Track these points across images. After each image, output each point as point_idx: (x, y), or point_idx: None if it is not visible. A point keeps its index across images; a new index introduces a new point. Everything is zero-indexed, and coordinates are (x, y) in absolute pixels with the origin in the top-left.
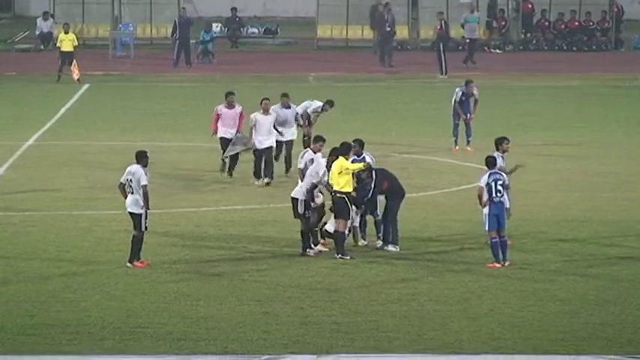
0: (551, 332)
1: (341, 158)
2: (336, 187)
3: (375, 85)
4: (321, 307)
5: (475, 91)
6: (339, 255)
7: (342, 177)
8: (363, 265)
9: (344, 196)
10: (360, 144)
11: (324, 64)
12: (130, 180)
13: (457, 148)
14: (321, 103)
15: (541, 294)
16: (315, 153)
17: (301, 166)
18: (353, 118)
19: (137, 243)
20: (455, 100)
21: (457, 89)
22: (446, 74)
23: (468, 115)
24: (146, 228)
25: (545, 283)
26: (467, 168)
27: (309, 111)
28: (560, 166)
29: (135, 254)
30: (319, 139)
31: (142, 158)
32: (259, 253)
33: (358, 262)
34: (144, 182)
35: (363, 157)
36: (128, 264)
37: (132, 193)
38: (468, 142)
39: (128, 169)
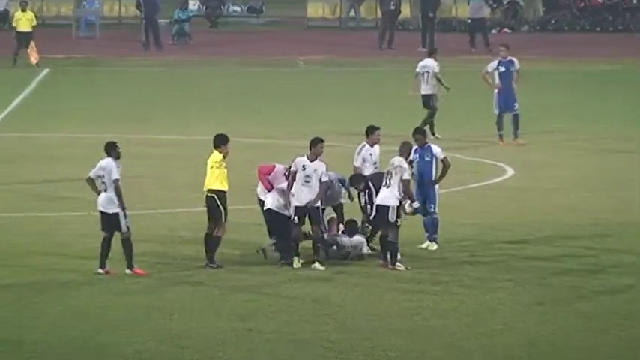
0: (574, 351)
1: (215, 152)
2: (207, 185)
3: (371, 70)
4: (311, 322)
5: (515, 60)
6: (207, 263)
7: (212, 172)
8: (359, 274)
9: (214, 195)
10: (422, 133)
11: (315, 47)
12: (103, 176)
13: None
14: None
15: (562, 306)
16: (372, 147)
17: (357, 164)
18: (348, 107)
19: (128, 246)
20: (486, 70)
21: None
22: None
23: (498, 83)
24: (128, 228)
25: (567, 294)
26: (478, 165)
27: None
28: (579, 163)
29: (130, 259)
30: (373, 129)
31: (112, 150)
32: (240, 260)
33: (354, 272)
34: (115, 176)
35: (429, 147)
36: (127, 271)
37: (105, 190)
38: (516, 135)
39: (100, 163)
